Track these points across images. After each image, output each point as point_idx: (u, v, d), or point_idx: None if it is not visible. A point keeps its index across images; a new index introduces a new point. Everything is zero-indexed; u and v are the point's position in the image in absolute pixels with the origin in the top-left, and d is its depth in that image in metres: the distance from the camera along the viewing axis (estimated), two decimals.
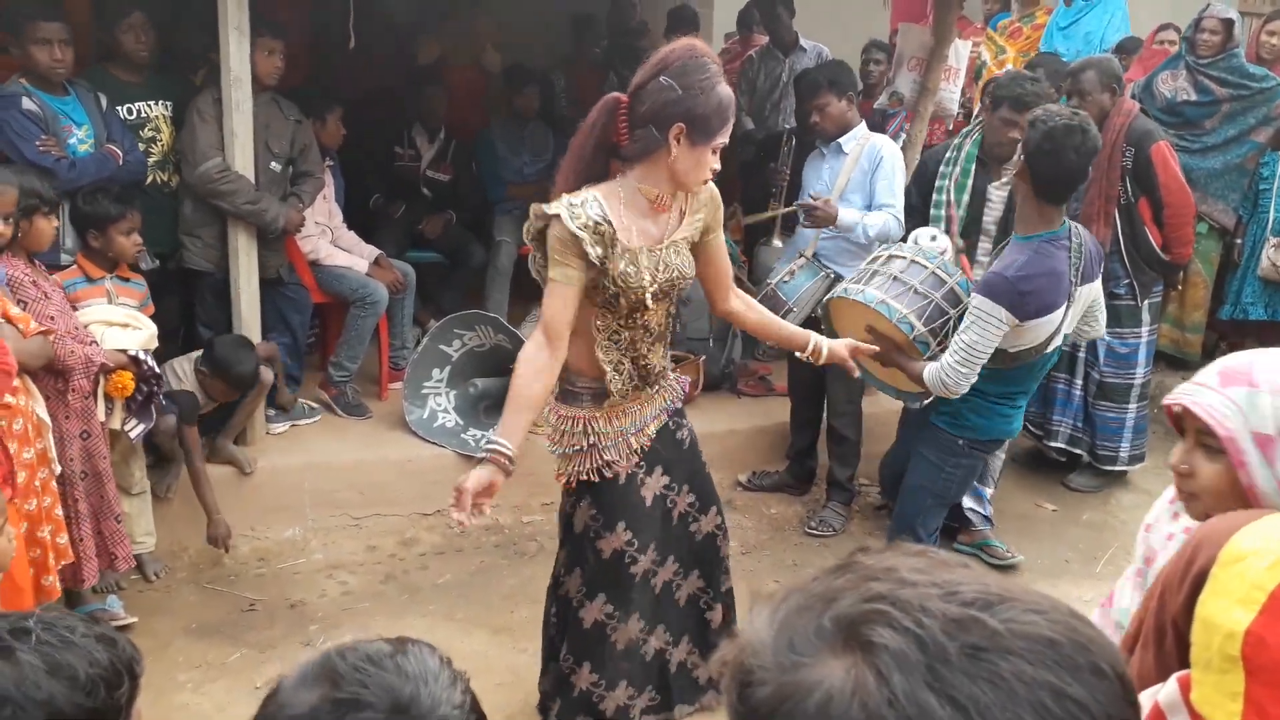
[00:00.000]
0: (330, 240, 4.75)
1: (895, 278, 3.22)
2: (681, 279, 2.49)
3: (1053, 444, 4.74)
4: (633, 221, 2.38)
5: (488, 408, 4.63)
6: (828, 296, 3.44)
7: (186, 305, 4.39)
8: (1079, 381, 4.65)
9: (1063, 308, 3.04)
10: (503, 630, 3.60)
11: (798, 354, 2.80)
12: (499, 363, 4.66)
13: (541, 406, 2.46)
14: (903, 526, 3.40)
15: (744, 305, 2.76)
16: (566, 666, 2.74)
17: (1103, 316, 3.43)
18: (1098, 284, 3.26)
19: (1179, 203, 4.40)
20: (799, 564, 4.17)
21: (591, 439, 2.52)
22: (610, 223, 2.33)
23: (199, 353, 3.95)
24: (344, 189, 5.01)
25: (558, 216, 2.30)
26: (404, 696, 0.99)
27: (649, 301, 2.42)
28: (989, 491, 4.15)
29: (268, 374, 4.05)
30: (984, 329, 2.97)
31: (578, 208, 2.31)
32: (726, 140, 2.36)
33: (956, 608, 0.55)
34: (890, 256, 3.33)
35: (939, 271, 3.23)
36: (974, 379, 3.03)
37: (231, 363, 3.84)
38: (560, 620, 2.81)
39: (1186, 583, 0.96)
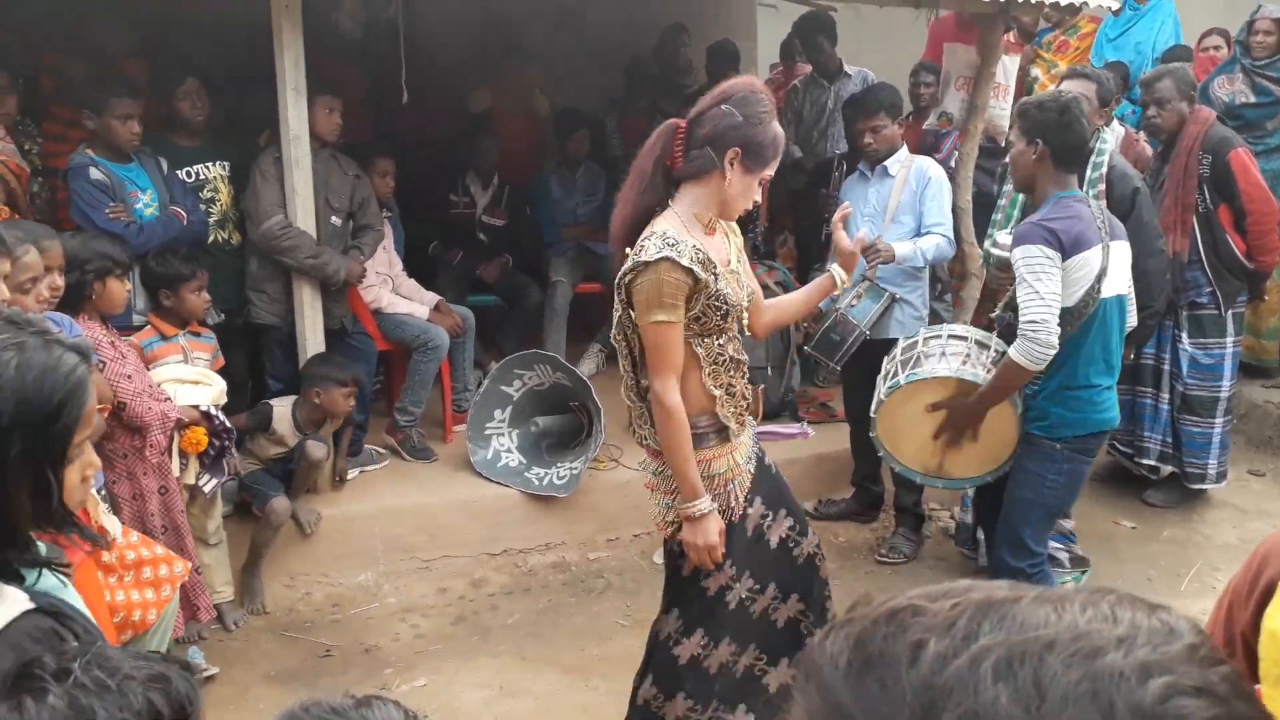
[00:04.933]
0: (391, 289, 4.85)
1: (944, 354, 3.31)
2: (753, 295, 2.60)
3: (1144, 461, 4.60)
4: (702, 243, 2.42)
5: (550, 446, 4.67)
6: (884, 393, 3.38)
7: (254, 359, 4.51)
8: (1166, 395, 4.52)
9: (1098, 248, 3.03)
10: (573, 669, 3.60)
11: (839, 287, 2.79)
12: (559, 401, 4.71)
13: None
14: (1009, 539, 3.23)
15: (772, 311, 2.81)
16: (656, 705, 2.69)
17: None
18: (1127, 244, 3.24)
19: (1262, 210, 4.30)
20: (870, 592, 4.10)
21: (725, 480, 2.51)
22: (701, 249, 2.37)
23: (291, 397, 4.13)
24: (403, 238, 5.13)
25: (667, 259, 2.30)
26: None
27: (745, 317, 2.50)
28: (1070, 524, 3.99)
29: (316, 449, 4.03)
30: (1037, 272, 2.99)
31: (677, 246, 2.32)
32: (771, 174, 2.46)
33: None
34: (927, 338, 3.45)
35: (980, 339, 3.35)
36: (1056, 328, 2.96)
37: (324, 366, 4.06)
38: (649, 656, 2.75)
39: (1254, 596, 0.93)
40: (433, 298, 4.95)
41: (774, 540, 2.70)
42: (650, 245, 2.33)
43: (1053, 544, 3.84)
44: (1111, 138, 4.00)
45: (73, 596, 1.19)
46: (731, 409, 2.51)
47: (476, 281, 5.55)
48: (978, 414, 3.20)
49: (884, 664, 0.56)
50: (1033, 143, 3.11)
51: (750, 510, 2.62)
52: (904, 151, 4.27)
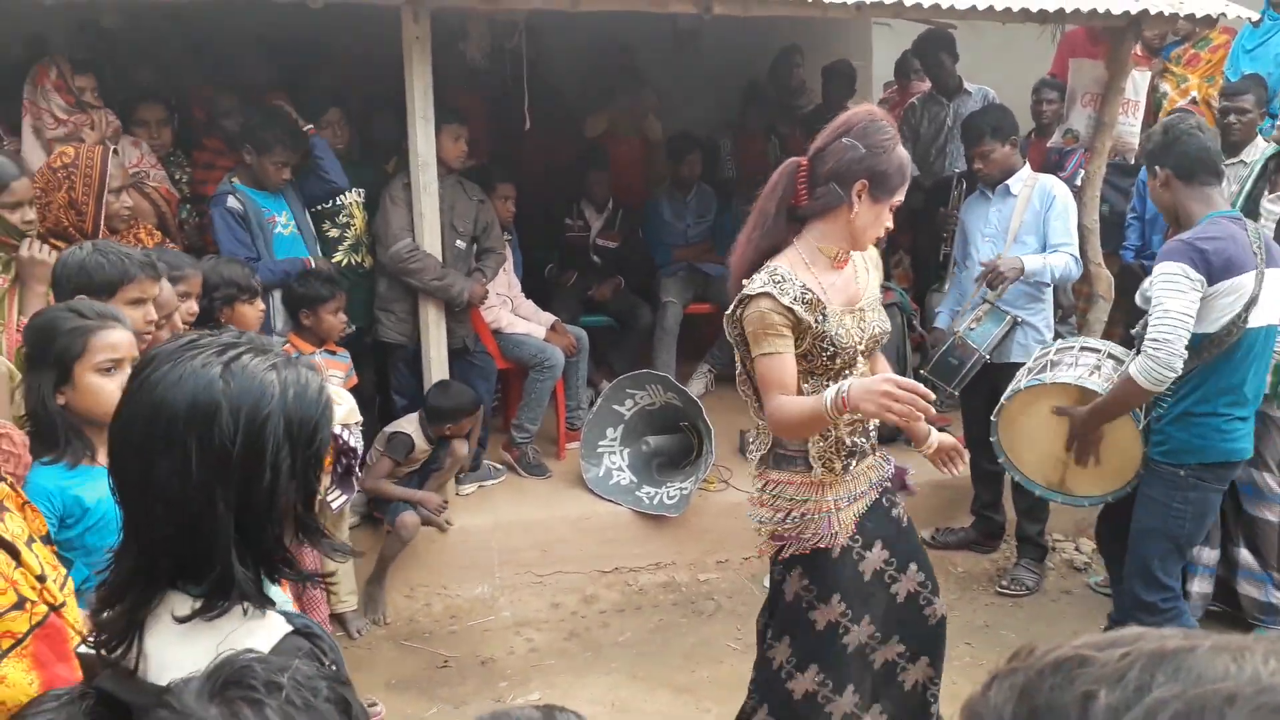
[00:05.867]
0: (511, 310, 4.98)
1: (1075, 364, 3.26)
2: (884, 334, 2.53)
3: None
4: (822, 281, 2.39)
5: (660, 465, 4.71)
6: (1006, 398, 3.38)
7: (381, 376, 4.69)
8: None
9: (1251, 274, 2.90)
10: (684, 690, 3.61)
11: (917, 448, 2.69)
12: (670, 420, 4.74)
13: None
14: (1139, 571, 3.14)
15: (880, 368, 2.72)
16: None
17: None
18: None
19: None
20: (991, 625, 3.99)
21: (803, 509, 2.45)
22: (812, 290, 2.35)
23: (415, 413, 4.26)
24: (521, 260, 5.27)
25: (768, 294, 2.31)
26: None
27: (860, 360, 2.43)
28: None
29: (461, 447, 4.26)
30: (1174, 291, 2.88)
31: (782, 283, 2.32)
32: (902, 199, 2.41)
33: None
34: (1060, 349, 3.41)
35: (1114, 353, 3.29)
36: (1182, 350, 2.85)
37: (453, 400, 4.21)
38: (762, 687, 2.70)
39: None
40: (549, 318, 5.06)
41: (903, 594, 2.62)
42: (757, 279, 2.34)
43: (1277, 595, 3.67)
44: None
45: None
46: (819, 450, 2.43)
47: (590, 302, 5.65)
48: (1092, 426, 3.13)
49: (1051, 715, 0.54)
50: (1154, 174, 3.11)
51: (869, 554, 2.55)
52: (1026, 170, 4.19)
